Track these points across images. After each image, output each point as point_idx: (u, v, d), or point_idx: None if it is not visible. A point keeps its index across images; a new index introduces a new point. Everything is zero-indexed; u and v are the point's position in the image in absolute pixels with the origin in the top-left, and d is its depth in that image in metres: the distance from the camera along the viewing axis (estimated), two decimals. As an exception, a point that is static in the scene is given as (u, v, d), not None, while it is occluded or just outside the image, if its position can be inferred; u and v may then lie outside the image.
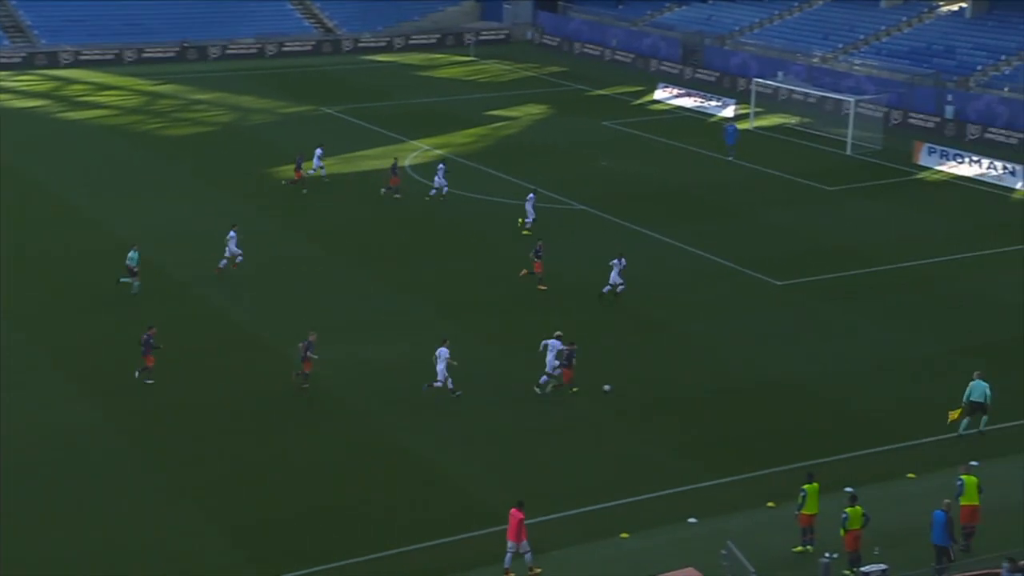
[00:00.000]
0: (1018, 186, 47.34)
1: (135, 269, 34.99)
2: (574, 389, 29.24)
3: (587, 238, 41.47)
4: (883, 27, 66.37)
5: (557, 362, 29.21)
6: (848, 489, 23.08)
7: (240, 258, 36.77)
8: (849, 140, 53.18)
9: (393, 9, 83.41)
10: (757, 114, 58.68)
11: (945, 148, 51.00)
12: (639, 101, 65.48)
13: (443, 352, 28.95)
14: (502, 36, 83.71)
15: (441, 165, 45.96)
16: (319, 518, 24.20)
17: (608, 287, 35.08)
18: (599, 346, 32.21)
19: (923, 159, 51.09)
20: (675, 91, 65.04)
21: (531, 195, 42.02)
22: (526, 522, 22.00)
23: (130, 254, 35.19)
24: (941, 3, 66.77)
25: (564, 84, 70.15)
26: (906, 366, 31.06)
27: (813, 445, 26.67)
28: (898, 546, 22.68)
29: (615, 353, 31.89)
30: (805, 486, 22.90)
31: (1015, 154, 51.13)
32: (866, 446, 26.71)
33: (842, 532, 22.22)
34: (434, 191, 45.31)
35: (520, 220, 41.76)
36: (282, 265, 38.09)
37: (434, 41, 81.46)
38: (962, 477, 23.03)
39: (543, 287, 35.86)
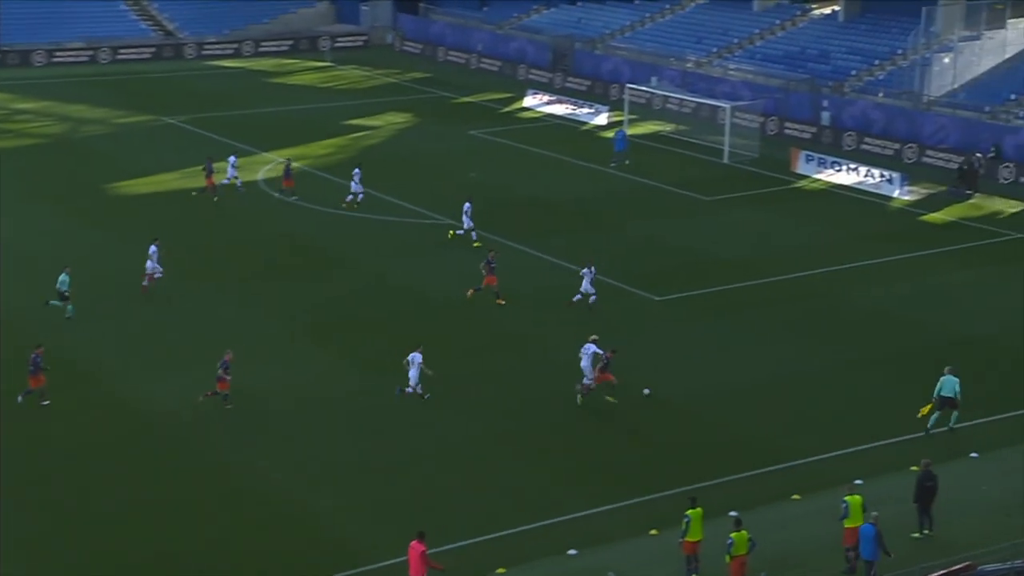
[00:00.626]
0: (895, 194, 49.28)
1: (66, 293, 34.60)
2: (609, 398, 29.85)
3: (455, 254, 41.49)
4: (757, 30, 68.45)
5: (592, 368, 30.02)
6: (732, 513, 23.54)
7: (159, 274, 36.58)
8: (726, 148, 54.59)
9: (239, 11, 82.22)
10: (631, 122, 59.72)
11: (823, 156, 52.81)
12: (507, 108, 65.97)
13: (415, 357, 29.79)
14: (360, 41, 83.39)
15: (356, 170, 46.67)
16: (168, 565, 23.52)
17: (579, 296, 35.71)
18: (467, 368, 32.22)
19: (801, 167, 52.79)
20: (545, 98, 65.79)
21: (467, 204, 42.31)
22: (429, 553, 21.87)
23: (61, 277, 34.78)
24: (814, 6, 69.22)
25: (428, 91, 70.21)
26: (788, 383, 31.90)
27: (696, 468, 27.13)
28: (784, 571, 23.22)
29: (484, 374, 31.93)
30: (688, 512, 23.26)
31: (892, 161, 53.26)
32: (750, 467, 27.29)
33: (727, 558, 22.63)
34: (350, 197, 45.85)
35: (451, 232, 42.30)
36: (129, 288, 36.95)
37: (286, 47, 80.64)
38: (846, 498, 23.70)
39: (501, 301, 36.03)
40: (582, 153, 55.50)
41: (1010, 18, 57.90)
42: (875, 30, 63.77)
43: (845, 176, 51.20)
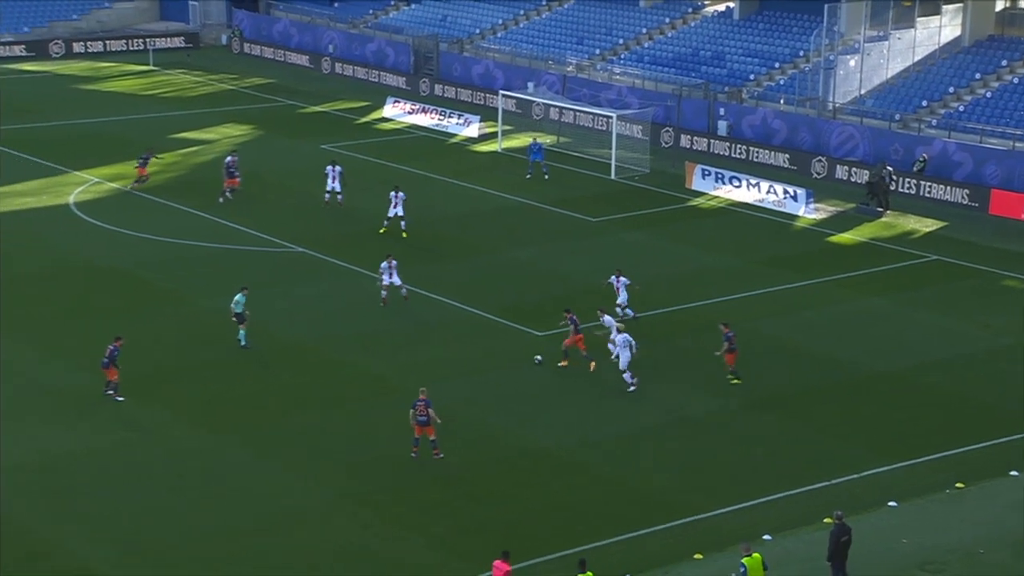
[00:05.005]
0: (800, 212, 50.81)
1: (244, 315, 35.85)
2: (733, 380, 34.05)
3: (307, 288, 41.35)
4: (644, 30, 69.97)
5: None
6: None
7: (404, 289, 39.38)
8: (613, 162, 55.61)
9: (43, 5, 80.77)
10: (506, 133, 60.42)
11: (720, 170, 54.16)
12: (365, 119, 66.11)
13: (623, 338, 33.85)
14: (190, 41, 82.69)
15: (337, 167, 49.38)
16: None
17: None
18: (317, 422, 32.16)
19: (696, 183, 54.06)
20: (408, 107, 66.15)
21: (393, 192, 46.22)
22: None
23: (237, 297, 36.01)
24: (707, 2, 71.07)
25: (272, 99, 69.92)
26: (682, 428, 32.53)
27: (583, 527, 27.51)
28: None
29: (343, 425, 31.90)
30: (744, 560, 23.73)
31: (796, 175, 54.91)
32: (644, 525, 27.73)
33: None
34: (328, 195, 48.98)
35: (383, 229, 45.97)
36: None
37: (100, 47, 79.56)
38: (743, 560, 24.02)
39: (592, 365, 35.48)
40: (451, 169, 55.90)
41: (919, 16, 60.31)
42: (774, 30, 65.75)
43: (745, 193, 52.61)
